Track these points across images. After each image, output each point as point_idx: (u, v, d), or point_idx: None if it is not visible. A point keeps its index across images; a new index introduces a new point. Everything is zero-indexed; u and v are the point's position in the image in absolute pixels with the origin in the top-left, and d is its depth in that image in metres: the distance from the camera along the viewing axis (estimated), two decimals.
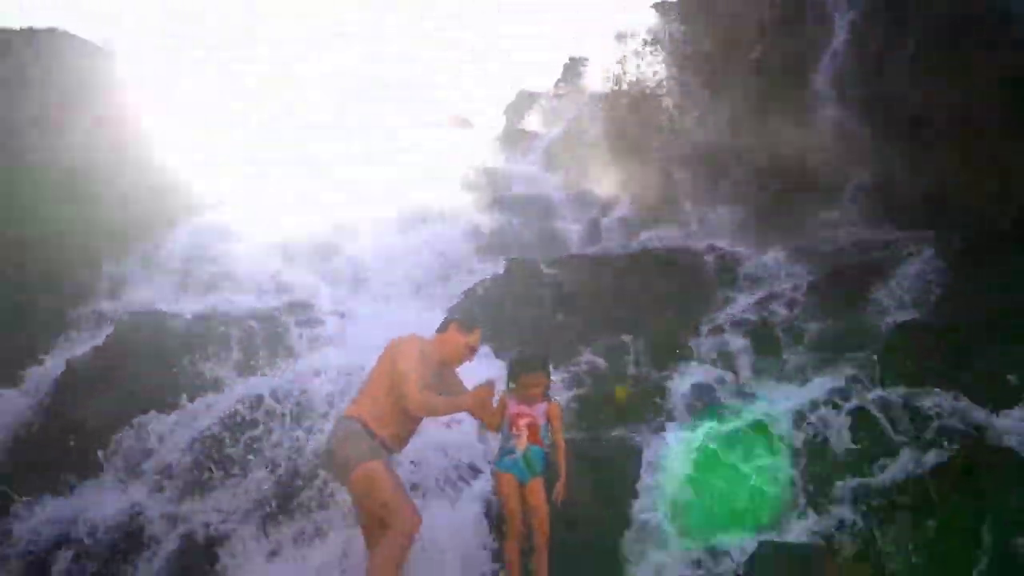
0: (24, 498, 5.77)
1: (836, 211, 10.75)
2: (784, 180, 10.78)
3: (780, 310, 8.64)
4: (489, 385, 4.42)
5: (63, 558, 5.28)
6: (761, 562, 3.69)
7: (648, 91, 12.86)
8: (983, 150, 8.96)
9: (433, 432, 5.15)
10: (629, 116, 12.82)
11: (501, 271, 9.08)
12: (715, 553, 4.46)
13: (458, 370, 4.77)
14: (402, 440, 4.53)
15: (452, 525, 4.84)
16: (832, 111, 10.94)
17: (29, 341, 8.44)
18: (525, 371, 4.44)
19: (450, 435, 5.23)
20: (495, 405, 4.47)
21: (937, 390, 5.50)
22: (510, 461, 4.41)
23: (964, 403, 5.26)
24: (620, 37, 12.57)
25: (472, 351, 4.68)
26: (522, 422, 4.41)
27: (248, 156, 13.25)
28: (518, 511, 4.36)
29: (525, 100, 15.17)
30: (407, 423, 4.48)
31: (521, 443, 4.38)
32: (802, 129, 10.88)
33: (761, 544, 4.15)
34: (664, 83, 12.66)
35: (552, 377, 4.60)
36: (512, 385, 4.45)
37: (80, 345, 7.89)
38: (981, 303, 7.40)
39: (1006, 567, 3.85)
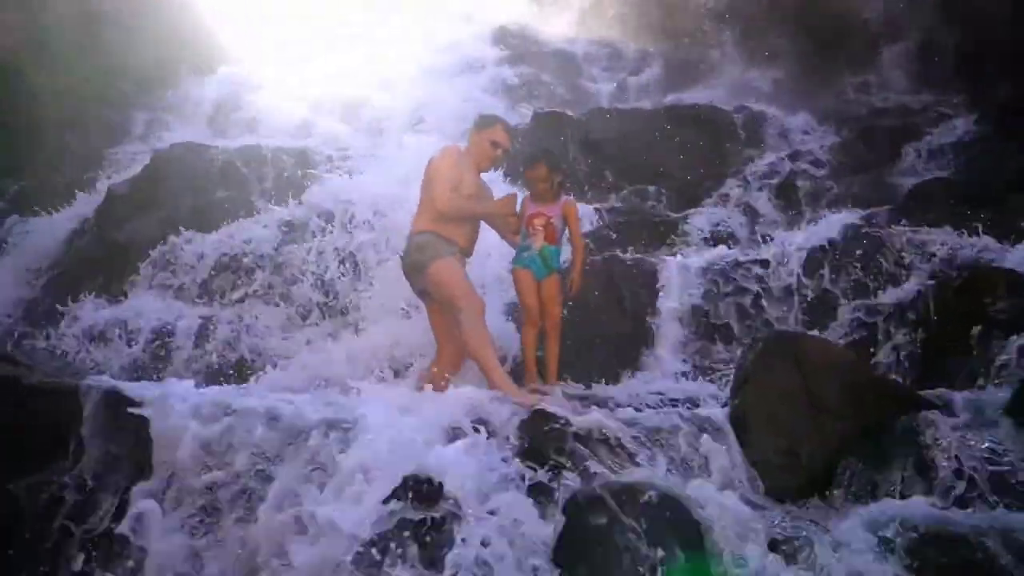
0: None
1: (873, 75, 10.57)
2: (821, 43, 10.54)
3: (805, 167, 8.66)
4: (513, 196, 4.71)
5: (113, 348, 5.72)
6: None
7: None
8: None
9: None
10: None
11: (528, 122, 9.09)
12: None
13: None
14: (470, 240, 4.78)
15: None
16: None
17: (69, 176, 8.76)
18: (527, 165, 4.60)
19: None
20: (517, 212, 4.65)
21: (949, 228, 5.59)
22: (527, 258, 4.59)
23: (975, 239, 5.35)
24: None
25: (497, 147, 4.77)
26: (538, 221, 4.56)
27: (276, 7, 13.10)
28: (535, 303, 4.58)
29: None
30: (466, 227, 4.71)
31: (537, 241, 4.55)
32: None
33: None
34: None
35: (561, 173, 4.69)
36: (527, 189, 4.61)
37: (119, 176, 8.12)
38: (1012, 163, 7.36)
39: (992, 368, 4.06)
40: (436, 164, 4.66)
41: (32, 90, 9.15)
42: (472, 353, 4.41)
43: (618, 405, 4.01)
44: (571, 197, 4.85)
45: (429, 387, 4.11)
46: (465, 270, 4.68)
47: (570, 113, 9.18)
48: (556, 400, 3.94)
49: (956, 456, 3.37)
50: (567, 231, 4.66)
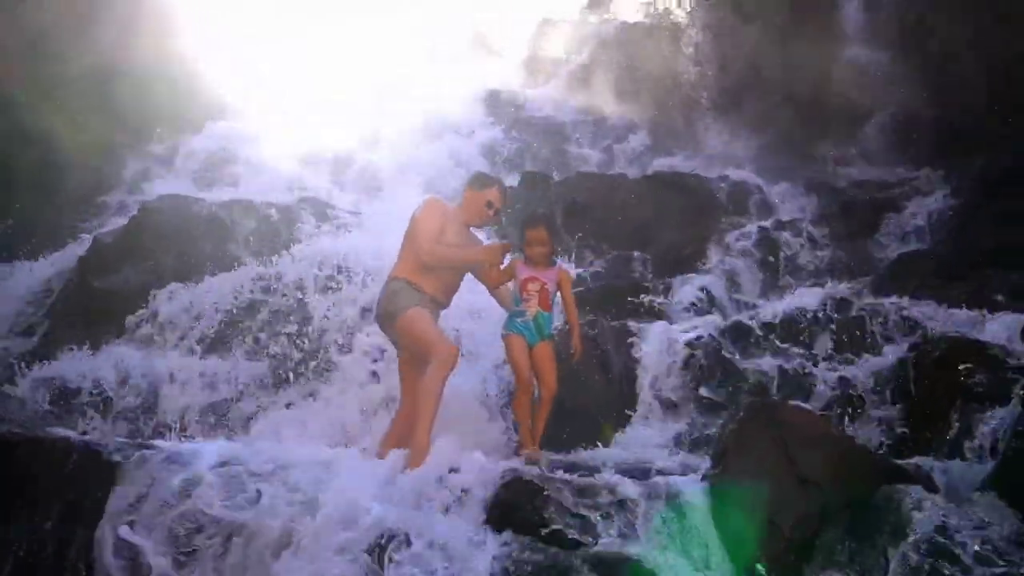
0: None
1: (853, 147, 10.83)
2: (803, 114, 10.83)
3: (786, 237, 8.79)
4: (503, 245, 4.73)
5: (92, 403, 5.64)
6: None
7: (672, 21, 12.82)
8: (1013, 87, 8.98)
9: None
10: (652, 45, 12.79)
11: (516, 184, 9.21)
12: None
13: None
14: (445, 292, 4.75)
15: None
16: (858, 46, 10.94)
17: (57, 221, 8.76)
18: (528, 226, 4.54)
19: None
20: (504, 266, 4.63)
21: (931, 301, 5.67)
22: (521, 324, 4.51)
23: (954, 311, 5.42)
24: None
25: (491, 207, 4.78)
26: (532, 287, 4.50)
27: (271, 65, 13.33)
28: (528, 370, 4.48)
29: (549, 29, 15.08)
30: (445, 278, 4.69)
31: (532, 307, 4.49)
32: (826, 63, 10.89)
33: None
34: (689, 13, 12.60)
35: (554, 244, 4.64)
36: (521, 251, 4.59)
37: (107, 226, 8.13)
38: (989, 237, 7.50)
39: (970, 441, 4.07)
40: (419, 216, 4.70)
41: (28, 133, 9.21)
42: (420, 395, 4.33)
43: (597, 472, 3.96)
44: (561, 263, 4.81)
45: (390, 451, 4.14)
46: (437, 320, 4.65)
47: (556, 176, 9.32)
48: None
49: (936, 528, 3.35)
50: (559, 297, 4.62)
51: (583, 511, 3.44)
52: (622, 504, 3.51)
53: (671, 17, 12.81)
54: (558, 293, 4.61)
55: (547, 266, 4.57)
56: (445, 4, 14.60)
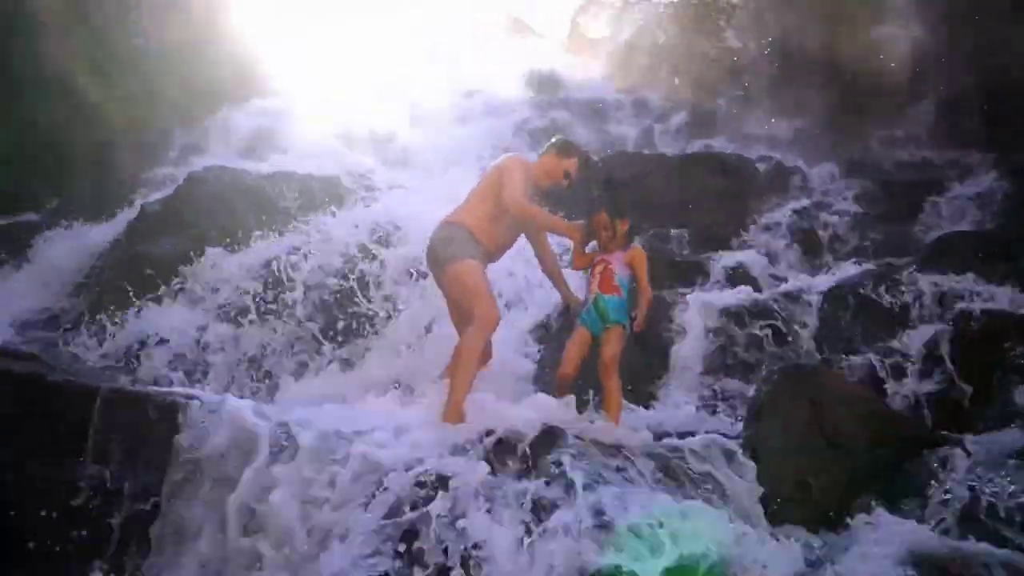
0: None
1: (899, 129, 10.65)
2: (848, 95, 10.67)
3: (827, 217, 8.70)
4: (582, 224, 4.52)
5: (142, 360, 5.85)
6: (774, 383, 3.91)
7: (714, 1, 12.70)
8: None
9: None
10: (695, 24, 12.68)
11: None
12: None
13: None
14: (500, 249, 4.71)
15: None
16: (904, 26, 10.72)
17: (108, 194, 9.01)
18: (590, 213, 4.41)
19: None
20: (588, 250, 4.48)
21: (972, 275, 5.59)
22: (584, 313, 4.38)
23: (996, 289, 5.34)
24: None
25: (568, 176, 4.70)
26: (596, 270, 4.35)
27: (315, 44, 13.51)
28: (569, 364, 4.27)
29: (592, 7, 15.06)
30: (505, 235, 4.64)
31: (592, 289, 4.36)
32: (872, 43, 10.70)
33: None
34: None
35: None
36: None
37: (153, 196, 8.34)
38: None
39: (1009, 413, 4.04)
40: (509, 166, 4.59)
41: (80, 109, 9.48)
42: (456, 362, 4.31)
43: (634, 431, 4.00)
44: (638, 245, 4.52)
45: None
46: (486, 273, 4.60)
47: (594, 156, 9.30)
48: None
49: (968, 494, 3.34)
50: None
51: (617, 465, 3.48)
52: (659, 460, 3.54)
53: None
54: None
55: (620, 249, 4.37)
56: None
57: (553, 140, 4.96)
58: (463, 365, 4.26)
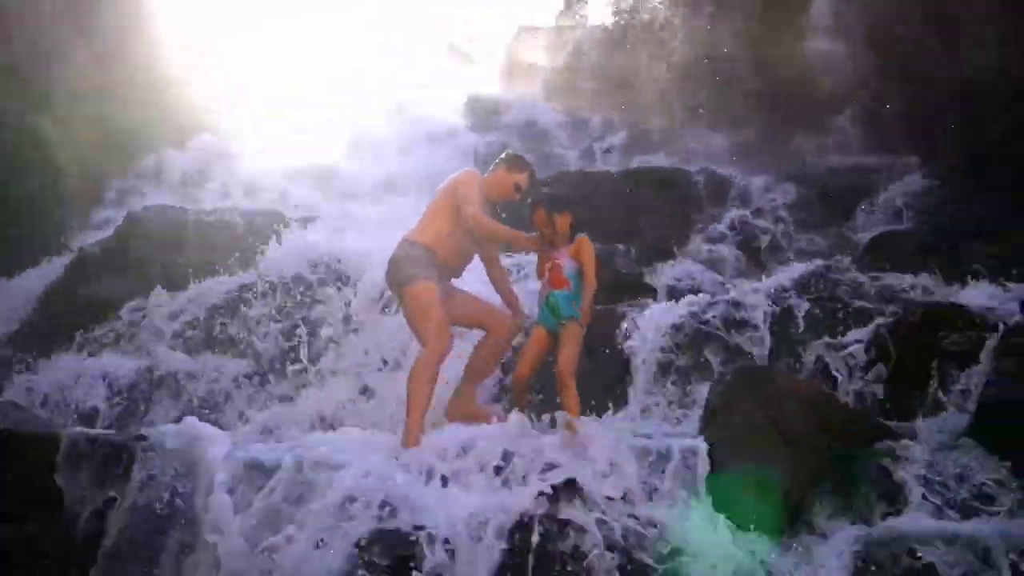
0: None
1: (828, 138, 11.00)
2: (778, 108, 11.00)
3: (766, 224, 8.93)
4: (537, 236, 4.57)
5: (83, 407, 5.66)
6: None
7: (647, 21, 13.02)
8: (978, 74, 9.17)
9: None
10: (627, 46, 12.98)
11: None
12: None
13: None
14: (461, 263, 4.78)
15: None
16: (829, 40, 11.15)
17: (42, 238, 8.76)
18: (530, 212, 4.47)
19: None
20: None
21: (908, 273, 5.79)
22: (540, 313, 4.41)
23: (931, 282, 5.54)
24: None
25: (519, 190, 4.79)
26: (545, 268, 4.40)
27: (248, 79, 13.44)
28: (524, 364, 4.35)
29: (527, 35, 15.29)
30: (465, 248, 4.71)
31: (543, 287, 4.40)
32: (799, 58, 11.09)
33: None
34: (663, 13, 12.80)
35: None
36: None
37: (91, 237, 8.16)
38: (965, 214, 7.67)
39: (950, 398, 4.18)
40: (464, 181, 4.70)
41: (11, 154, 9.24)
42: (409, 381, 4.31)
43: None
44: (584, 235, 4.50)
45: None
46: (447, 296, 4.61)
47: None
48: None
49: (925, 478, 3.44)
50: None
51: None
52: (618, 466, 3.56)
53: (643, 20, 13.00)
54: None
55: (566, 243, 4.40)
56: (421, 14, 14.79)
57: (503, 155, 5.06)
58: (413, 392, 4.27)
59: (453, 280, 4.87)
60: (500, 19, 15.45)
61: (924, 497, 3.42)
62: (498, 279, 5.03)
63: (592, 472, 3.45)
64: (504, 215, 5.09)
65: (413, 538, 3.17)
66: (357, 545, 3.17)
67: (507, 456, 3.59)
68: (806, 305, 5.49)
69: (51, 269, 7.71)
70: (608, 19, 13.88)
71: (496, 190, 4.82)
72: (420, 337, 4.49)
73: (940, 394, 4.23)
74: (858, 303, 5.38)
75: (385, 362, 5.79)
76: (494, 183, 4.85)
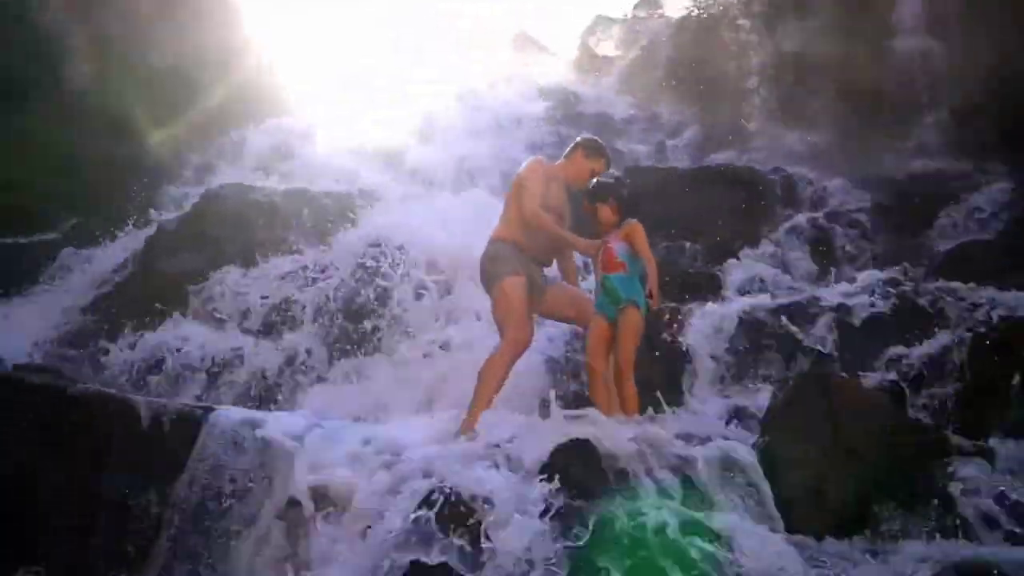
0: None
1: (912, 141, 10.62)
2: (859, 108, 10.66)
3: (841, 228, 8.69)
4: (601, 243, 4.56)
5: (154, 382, 5.88)
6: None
7: (725, 15, 12.75)
8: None
9: None
10: (704, 40, 12.73)
11: None
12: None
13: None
14: (549, 252, 4.78)
15: None
16: (915, 39, 10.74)
17: (124, 214, 9.11)
18: (584, 207, 4.44)
19: None
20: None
21: (990, 287, 5.56)
22: (596, 301, 4.35)
23: (1014, 296, 5.30)
24: None
25: (594, 175, 4.72)
26: (599, 257, 4.33)
27: (329, 63, 13.69)
28: (595, 355, 4.21)
29: (602, 25, 15.16)
30: (544, 240, 4.68)
31: (597, 272, 4.35)
32: (882, 57, 10.71)
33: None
34: (741, 7, 12.52)
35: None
36: None
37: (169, 214, 8.42)
38: None
39: None
40: (525, 176, 4.75)
41: (96, 129, 9.61)
42: (481, 373, 4.38)
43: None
44: (634, 220, 4.39)
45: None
46: (538, 277, 4.68)
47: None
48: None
49: (987, 501, 3.31)
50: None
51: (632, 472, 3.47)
52: (673, 466, 3.52)
53: (723, 12, 12.74)
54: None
55: (616, 229, 4.33)
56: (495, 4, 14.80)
57: (579, 140, 5.05)
58: (483, 381, 4.34)
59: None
60: (576, 8, 15.24)
61: (985, 521, 3.28)
62: (566, 271, 5.01)
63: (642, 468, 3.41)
64: None
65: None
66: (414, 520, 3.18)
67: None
68: (876, 313, 5.33)
69: (129, 241, 7.99)
70: (684, 12, 13.67)
71: (573, 175, 4.82)
72: (500, 331, 4.54)
73: (1017, 416, 4.05)
74: (934, 313, 5.18)
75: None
76: (570, 168, 4.85)
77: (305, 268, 6.77)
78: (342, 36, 14.02)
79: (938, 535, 3.31)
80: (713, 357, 5.23)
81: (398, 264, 6.68)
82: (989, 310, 5.21)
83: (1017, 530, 3.21)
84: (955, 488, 3.46)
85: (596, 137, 5.21)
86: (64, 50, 10.17)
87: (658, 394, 4.65)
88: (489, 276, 4.62)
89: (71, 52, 10.23)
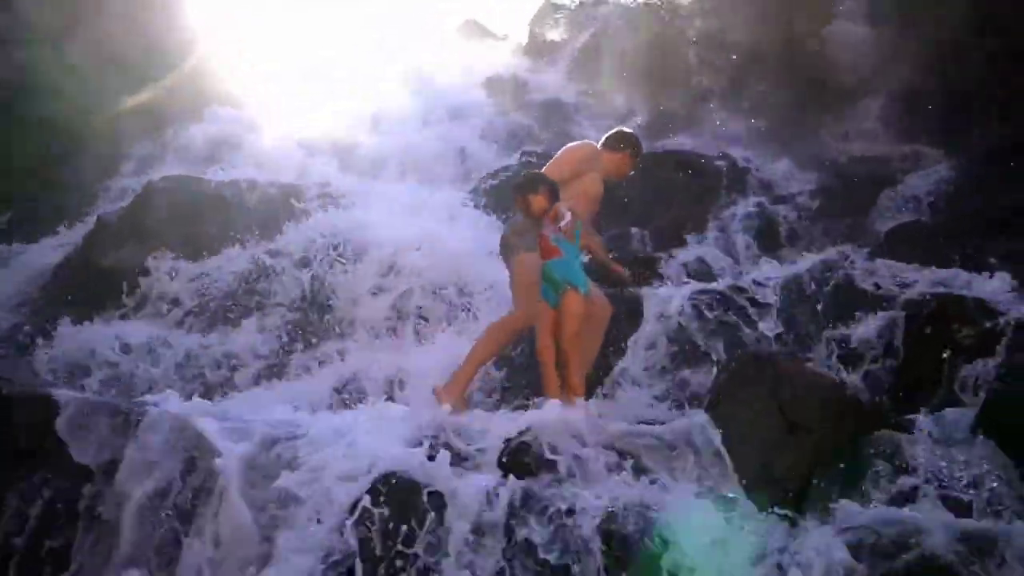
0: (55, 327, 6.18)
1: (853, 125, 10.84)
2: (803, 93, 10.84)
3: (785, 211, 8.86)
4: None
5: (93, 377, 5.73)
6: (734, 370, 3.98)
7: (671, 3, 12.87)
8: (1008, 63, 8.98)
9: None
10: (652, 27, 12.83)
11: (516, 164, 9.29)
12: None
13: None
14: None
15: None
16: (853, 25, 10.96)
17: (61, 208, 8.87)
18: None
19: None
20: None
21: (928, 266, 5.70)
22: (541, 289, 4.35)
23: (946, 273, 5.45)
24: None
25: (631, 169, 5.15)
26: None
27: (272, 51, 13.44)
28: (544, 342, 4.25)
29: (550, 11, 15.17)
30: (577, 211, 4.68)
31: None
32: (826, 42, 10.91)
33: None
34: None
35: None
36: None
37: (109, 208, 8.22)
38: (988, 206, 7.53)
39: (963, 394, 4.13)
40: (571, 149, 5.01)
41: (25, 122, 9.31)
42: (481, 338, 4.48)
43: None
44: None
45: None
46: None
47: None
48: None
49: (926, 470, 3.42)
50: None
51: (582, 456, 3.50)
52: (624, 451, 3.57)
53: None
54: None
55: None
56: None
57: (628, 137, 5.26)
58: (479, 345, 4.43)
59: None
60: None
61: (928, 488, 3.38)
62: (594, 248, 5.19)
63: (592, 452, 3.45)
64: None
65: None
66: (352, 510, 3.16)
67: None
68: (819, 293, 5.43)
69: (69, 236, 7.80)
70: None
71: (614, 169, 5.13)
72: (514, 302, 4.64)
73: (951, 387, 4.18)
74: (872, 293, 5.29)
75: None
76: (614, 161, 5.12)
77: (257, 258, 6.65)
78: (287, 27, 13.75)
79: (875, 503, 3.39)
80: (658, 340, 5.27)
81: (348, 257, 6.63)
82: (924, 288, 5.34)
83: (946, 497, 3.31)
84: (893, 460, 3.55)
85: (636, 138, 5.41)
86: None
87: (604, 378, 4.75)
88: (507, 247, 4.73)
89: (6, 46, 9.90)
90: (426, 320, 6.08)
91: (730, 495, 3.47)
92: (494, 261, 6.00)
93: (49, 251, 7.66)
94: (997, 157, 8.23)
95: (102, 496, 3.39)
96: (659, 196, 9.00)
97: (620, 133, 5.27)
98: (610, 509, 3.22)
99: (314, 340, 6.03)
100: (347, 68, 13.34)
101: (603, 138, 5.29)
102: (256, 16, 13.64)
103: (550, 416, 3.74)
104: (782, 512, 3.40)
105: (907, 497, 3.39)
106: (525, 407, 4.18)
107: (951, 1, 9.96)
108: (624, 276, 5.35)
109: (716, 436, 3.68)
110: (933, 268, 5.53)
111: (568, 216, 4.24)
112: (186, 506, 3.31)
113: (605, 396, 4.88)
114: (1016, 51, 8.90)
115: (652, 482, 3.50)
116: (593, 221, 5.29)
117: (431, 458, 3.35)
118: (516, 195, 4.49)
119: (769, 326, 5.22)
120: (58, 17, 11.08)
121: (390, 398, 5.18)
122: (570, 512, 3.18)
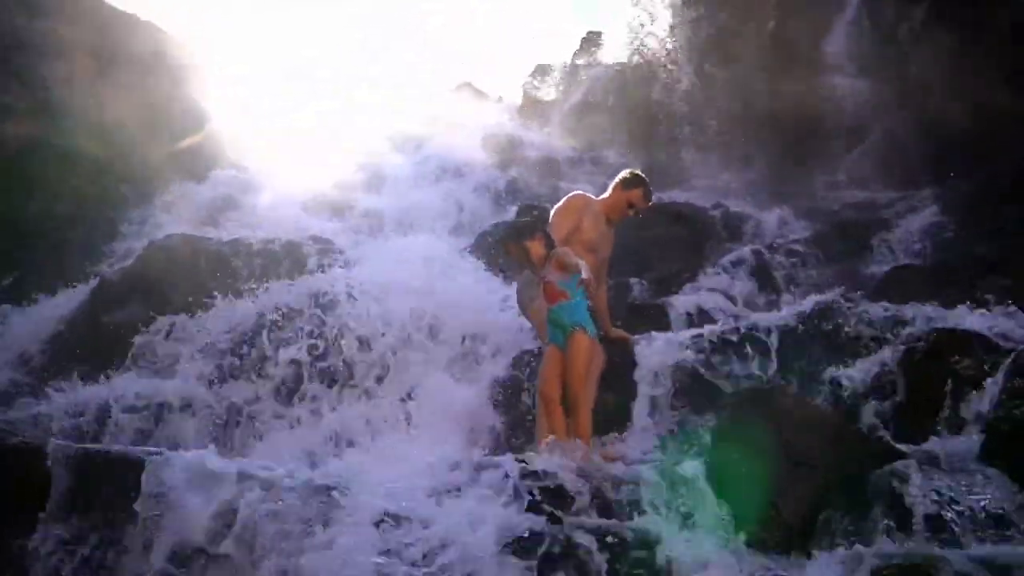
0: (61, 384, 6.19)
1: (843, 173, 11.04)
2: (792, 144, 11.08)
3: (781, 259, 8.94)
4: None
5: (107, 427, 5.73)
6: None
7: (663, 61, 13.21)
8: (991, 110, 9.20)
9: None
10: (643, 85, 13.16)
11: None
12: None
13: None
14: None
15: None
16: (839, 77, 11.26)
17: (65, 269, 8.92)
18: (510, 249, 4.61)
19: None
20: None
21: (922, 304, 5.77)
22: (549, 333, 4.47)
23: (943, 311, 5.51)
24: (636, 3, 13.02)
25: (632, 207, 5.25)
26: (543, 294, 4.51)
27: (269, 112, 13.74)
28: (546, 382, 4.34)
29: (542, 72, 15.56)
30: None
31: (545, 312, 4.49)
32: (811, 94, 11.19)
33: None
34: (678, 53, 12.99)
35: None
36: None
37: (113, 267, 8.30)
38: (980, 248, 7.65)
39: (966, 424, 4.15)
40: (558, 209, 5.20)
41: (36, 184, 9.46)
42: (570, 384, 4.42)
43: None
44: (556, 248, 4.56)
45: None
46: None
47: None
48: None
49: (933, 501, 3.41)
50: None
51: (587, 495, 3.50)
52: (625, 487, 3.57)
53: (657, 58, 13.20)
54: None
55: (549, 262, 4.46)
56: (440, 53, 15.15)
57: (623, 174, 5.49)
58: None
59: None
60: (515, 62, 15.71)
61: (933, 520, 3.37)
62: (599, 305, 5.25)
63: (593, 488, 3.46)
64: None
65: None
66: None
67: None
68: (817, 335, 5.48)
69: (72, 295, 7.84)
70: (622, 58, 14.12)
71: (613, 209, 5.30)
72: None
73: (952, 418, 4.20)
74: (870, 332, 5.35)
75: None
76: (610, 202, 5.33)
77: (258, 315, 6.69)
78: (285, 89, 14.08)
79: (885, 536, 3.38)
80: (660, 384, 5.29)
81: (349, 313, 6.67)
82: (922, 325, 5.39)
83: (956, 527, 3.30)
84: (897, 492, 3.55)
85: (637, 171, 5.60)
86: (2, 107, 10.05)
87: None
88: (521, 304, 5.06)
89: (7, 109, 10.12)
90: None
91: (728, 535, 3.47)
92: (494, 311, 6.11)
93: (55, 310, 7.68)
94: (981, 200, 8.41)
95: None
96: (656, 247, 9.10)
97: (628, 173, 5.52)
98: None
99: (315, 392, 6.02)
100: (347, 127, 13.62)
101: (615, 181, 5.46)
102: (257, 78, 13.98)
103: (554, 457, 3.75)
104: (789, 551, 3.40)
105: (917, 529, 3.37)
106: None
107: (929, 51, 10.29)
108: (621, 336, 5.46)
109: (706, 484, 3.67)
110: (930, 306, 5.59)
111: (585, 272, 4.30)
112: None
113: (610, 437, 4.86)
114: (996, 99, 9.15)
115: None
116: (603, 264, 5.29)
117: None
118: (511, 245, 4.56)
119: (769, 367, 5.24)
120: (67, 84, 11.36)
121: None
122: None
